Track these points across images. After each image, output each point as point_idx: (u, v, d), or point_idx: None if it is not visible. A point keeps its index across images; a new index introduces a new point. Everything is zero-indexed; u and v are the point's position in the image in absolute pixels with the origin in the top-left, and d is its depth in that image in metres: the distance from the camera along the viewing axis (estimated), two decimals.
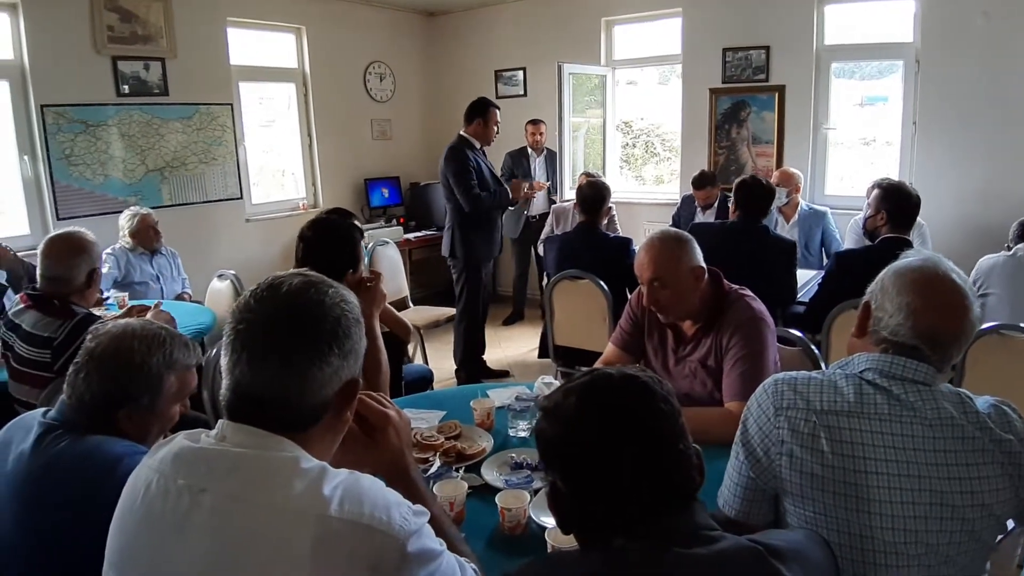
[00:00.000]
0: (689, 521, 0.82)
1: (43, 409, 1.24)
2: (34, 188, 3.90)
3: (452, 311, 4.08)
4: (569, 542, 1.18)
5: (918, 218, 2.73)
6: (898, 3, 4.19)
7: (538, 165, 5.17)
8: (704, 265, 1.79)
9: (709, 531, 0.82)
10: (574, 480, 0.85)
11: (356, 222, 1.98)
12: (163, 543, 0.79)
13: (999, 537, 1.06)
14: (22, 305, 2.06)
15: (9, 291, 3.01)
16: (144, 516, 0.81)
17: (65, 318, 1.95)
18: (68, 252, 2.05)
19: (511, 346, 4.86)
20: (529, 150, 5.16)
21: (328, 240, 1.85)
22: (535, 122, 5.12)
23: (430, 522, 0.85)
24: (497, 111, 3.85)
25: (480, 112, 3.78)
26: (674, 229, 1.88)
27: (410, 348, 3.93)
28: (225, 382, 0.84)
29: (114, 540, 0.84)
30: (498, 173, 4.41)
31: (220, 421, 0.84)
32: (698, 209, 4.28)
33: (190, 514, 0.77)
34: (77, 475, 1.11)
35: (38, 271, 2.09)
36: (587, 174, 4.51)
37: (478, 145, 3.83)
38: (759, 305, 1.79)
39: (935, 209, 3.69)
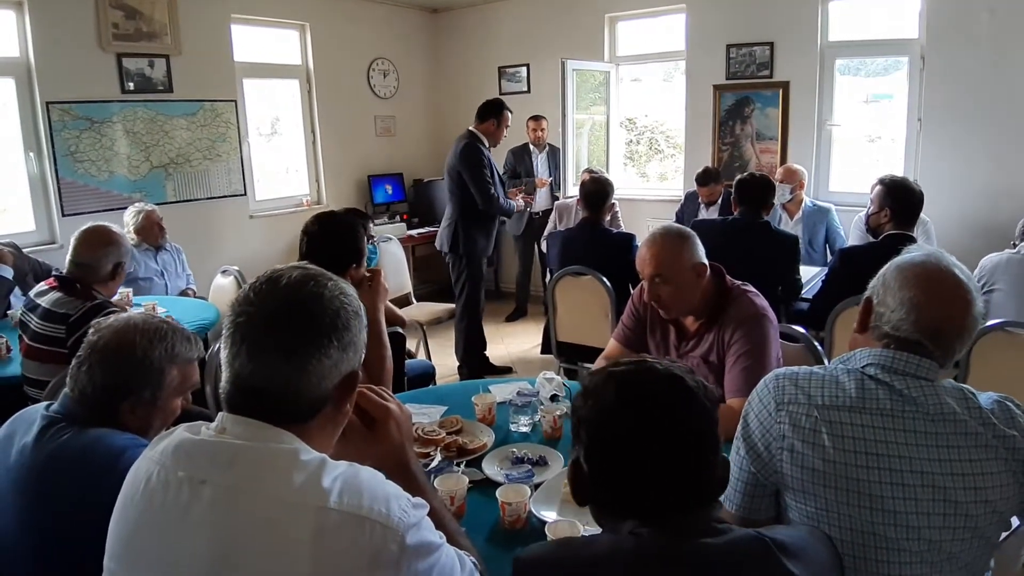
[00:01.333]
0: (702, 516, 0.84)
1: (46, 403, 1.25)
2: (39, 185, 3.91)
3: (454, 307, 4.08)
4: (569, 535, 1.19)
5: (923, 215, 2.72)
6: None
7: (540, 162, 5.16)
8: (706, 262, 1.78)
9: (718, 523, 0.83)
10: (598, 464, 0.86)
11: (371, 223, 1.99)
12: (164, 535, 0.79)
13: (1004, 535, 1.05)
14: (46, 287, 2.15)
15: (17, 288, 3.03)
16: (145, 508, 0.81)
17: (85, 299, 2.05)
18: (98, 242, 2.17)
19: (514, 342, 4.86)
20: (531, 147, 5.15)
21: (332, 235, 1.85)
22: (536, 118, 5.11)
23: (430, 515, 0.85)
24: (510, 115, 3.86)
25: (495, 113, 3.79)
26: (676, 225, 1.88)
27: (412, 343, 3.95)
28: (224, 375, 0.84)
29: (115, 532, 0.84)
30: (500, 170, 4.42)
31: (220, 414, 0.85)
32: (702, 206, 4.28)
33: (190, 506, 0.78)
34: (80, 468, 1.11)
35: (68, 257, 2.20)
36: (589, 171, 4.51)
37: (487, 144, 3.84)
38: (762, 301, 1.78)
39: (940, 206, 3.67)
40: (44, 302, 2.10)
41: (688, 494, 0.83)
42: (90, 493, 1.06)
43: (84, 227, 2.25)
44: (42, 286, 2.18)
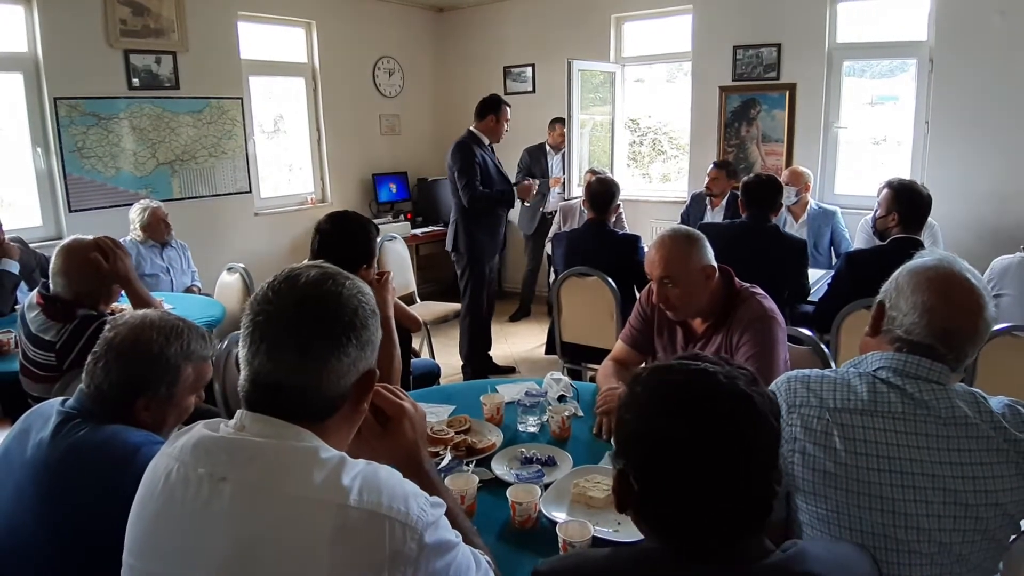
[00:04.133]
0: (758, 546, 0.79)
1: (61, 398, 1.25)
2: (47, 180, 3.92)
3: (458, 306, 4.09)
4: (580, 537, 1.19)
5: (930, 218, 2.72)
6: (912, 1, 4.15)
7: (555, 163, 5.17)
8: (715, 264, 1.79)
9: (762, 548, 0.79)
10: (651, 485, 0.79)
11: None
12: (184, 530, 0.80)
13: (1012, 537, 1.06)
14: (35, 302, 2.04)
15: (23, 283, 3.03)
16: (164, 504, 0.82)
17: (65, 321, 1.93)
18: (57, 270, 2.00)
19: (517, 342, 4.87)
20: (547, 147, 5.16)
21: (346, 233, 1.85)
22: (561, 121, 5.02)
23: (445, 514, 0.85)
24: (508, 108, 3.86)
25: (494, 109, 3.78)
26: (685, 227, 1.88)
27: (416, 342, 3.95)
28: (244, 373, 0.84)
29: (134, 527, 0.85)
30: (510, 169, 4.39)
31: (239, 411, 0.85)
32: (707, 207, 4.27)
33: (210, 502, 0.78)
34: (96, 463, 1.12)
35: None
36: (592, 171, 4.50)
37: (487, 141, 3.83)
38: (770, 303, 1.79)
39: (947, 209, 3.66)
40: (31, 324, 1.98)
41: (747, 515, 0.77)
42: (107, 488, 1.07)
43: (62, 243, 2.05)
44: (32, 297, 2.05)
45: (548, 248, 4.48)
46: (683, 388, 0.79)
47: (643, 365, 0.91)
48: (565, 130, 5.03)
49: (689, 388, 0.78)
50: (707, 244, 1.80)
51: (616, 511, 0.85)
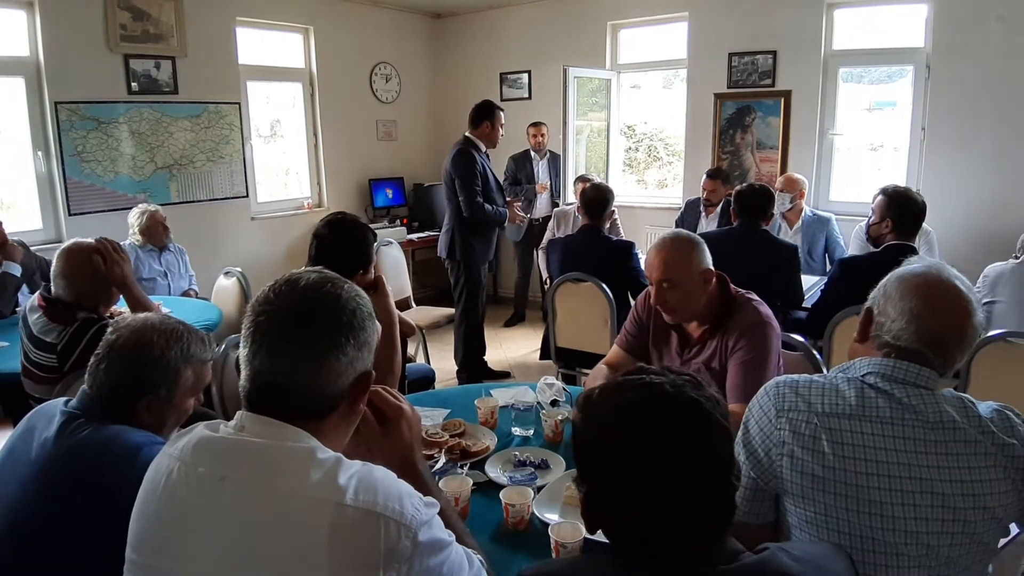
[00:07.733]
0: (727, 548, 0.80)
1: (65, 398, 1.27)
2: (47, 184, 3.93)
3: (453, 311, 4.10)
4: (572, 538, 1.21)
5: (925, 225, 2.73)
6: (909, 7, 4.17)
7: (541, 168, 5.19)
8: (713, 268, 1.81)
9: (733, 549, 0.80)
10: (617, 505, 0.80)
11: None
12: (186, 528, 0.81)
13: (1003, 541, 1.07)
14: (37, 304, 2.05)
15: (24, 286, 3.04)
16: (167, 502, 0.84)
17: (66, 323, 1.95)
18: (58, 273, 2.02)
19: (512, 347, 4.88)
20: (532, 153, 5.18)
21: (343, 239, 1.86)
22: (536, 124, 5.14)
23: (438, 514, 0.87)
24: (503, 113, 3.88)
25: (488, 115, 3.81)
26: (686, 231, 1.89)
27: (412, 347, 3.96)
28: (244, 373, 0.86)
29: (136, 525, 0.87)
30: (500, 176, 4.42)
31: (239, 412, 0.87)
32: (702, 213, 4.29)
33: (211, 501, 0.80)
34: (99, 462, 1.14)
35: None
36: (584, 178, 4.48)
37: (483, 148, 3.86)
38: (766, 310, 1.80)
39: (943, 216, 3.69)
40: (33, 326, 2.00)
41: (712, 521, 0.79)
42: (109, 486, 1.09)
43: (63, 246, 2.08)
44: (33, 300, 2.07)
45: (539, 255, 4.47)
46: (636, 407, 0.80)
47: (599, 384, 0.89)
48: (545, 132, 5.07)
49: (642, 406, 0.80)
50: (706, 248, 1.82)
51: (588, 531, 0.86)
